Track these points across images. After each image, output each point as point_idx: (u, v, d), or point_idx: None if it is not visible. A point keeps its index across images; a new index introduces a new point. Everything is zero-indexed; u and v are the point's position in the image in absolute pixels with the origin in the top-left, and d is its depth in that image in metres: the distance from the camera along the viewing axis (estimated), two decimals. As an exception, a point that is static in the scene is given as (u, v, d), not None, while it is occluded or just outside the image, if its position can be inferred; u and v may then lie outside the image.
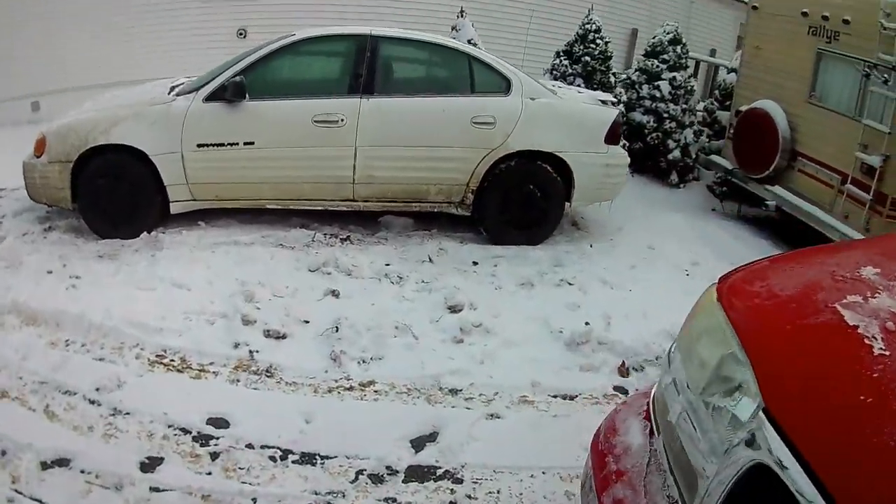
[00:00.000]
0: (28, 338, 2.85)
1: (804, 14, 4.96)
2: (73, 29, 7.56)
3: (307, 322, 3.13)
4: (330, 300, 3.34)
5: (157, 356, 2.82)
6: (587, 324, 3.18)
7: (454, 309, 3.25)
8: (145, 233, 3.85)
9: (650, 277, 3.89)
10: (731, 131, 5.74)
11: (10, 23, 7.22)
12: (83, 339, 2.86)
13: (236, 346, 2.92)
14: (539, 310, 3.34)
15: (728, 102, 6.26)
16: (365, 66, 3.90)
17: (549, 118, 4.11)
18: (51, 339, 2.86)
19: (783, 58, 5.24)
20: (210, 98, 3.77)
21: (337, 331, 3.03)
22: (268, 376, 2.77)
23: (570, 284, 3.65)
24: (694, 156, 6.14)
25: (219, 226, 4.07)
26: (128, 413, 2.44)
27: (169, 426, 2.39)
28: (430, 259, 3.79)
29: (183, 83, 4.19)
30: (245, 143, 3.78)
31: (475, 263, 3.80)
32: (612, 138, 4.21)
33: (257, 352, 2.90)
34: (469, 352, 2.98)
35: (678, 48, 6.18)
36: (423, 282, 3.55)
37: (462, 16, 6.24)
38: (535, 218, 4.18)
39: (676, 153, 6.00)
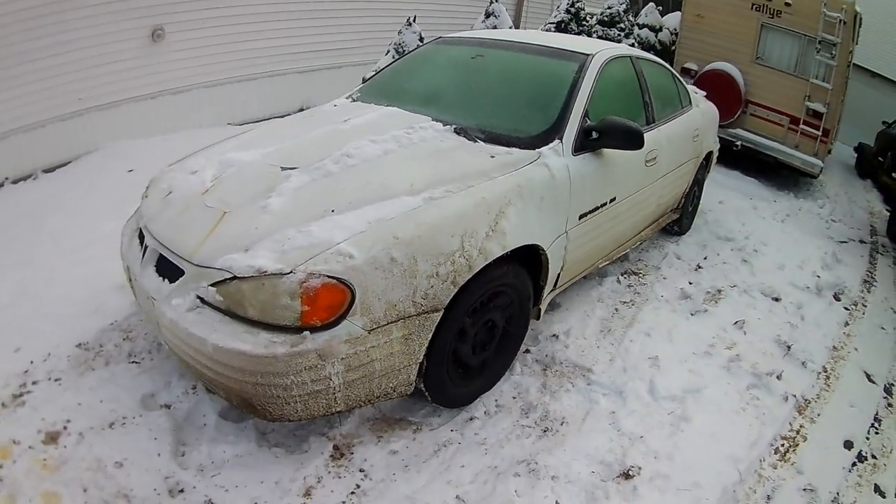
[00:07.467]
0: None
1: (747, -7, 6.52)
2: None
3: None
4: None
5: None
6: (818, 277, 4.31)
7: (837, 296, 4.11)
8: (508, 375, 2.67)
9: (758, 225, 5.08)
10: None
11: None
12: None
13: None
14: (795, 274, 4.25)
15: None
16: (649, 93, 3.63)
17: (710, 120, 4.67)
18: None
19: (728, 27, 6.82)
20: (581, 149, 2.83)
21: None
22: None
23: (755, 252, 4.48)
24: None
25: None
26: None
27: None
28: (699, 266, 4.16)
29: (449, 122, 2.72)
30: (611, 201, 3.07)
31: (706, 259, 4.29)
32: None
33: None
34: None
35: (630, 17, 7.36)
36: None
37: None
38: (696, 204, 4.86)
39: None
